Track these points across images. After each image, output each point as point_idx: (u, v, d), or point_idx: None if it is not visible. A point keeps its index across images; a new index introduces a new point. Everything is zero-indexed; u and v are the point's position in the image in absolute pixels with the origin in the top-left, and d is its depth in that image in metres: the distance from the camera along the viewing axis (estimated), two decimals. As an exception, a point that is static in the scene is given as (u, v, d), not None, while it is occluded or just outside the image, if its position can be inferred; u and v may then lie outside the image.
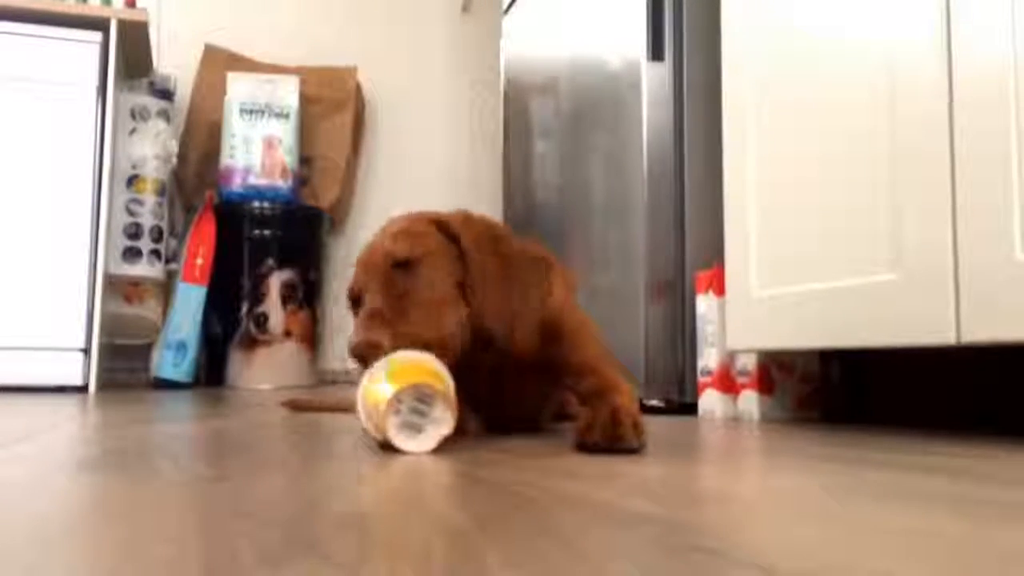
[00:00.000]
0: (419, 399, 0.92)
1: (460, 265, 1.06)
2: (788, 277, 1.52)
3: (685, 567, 0.43)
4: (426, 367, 0.95)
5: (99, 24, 2.65)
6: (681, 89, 1.96)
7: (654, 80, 1.96)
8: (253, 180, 3.28)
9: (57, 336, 2.50)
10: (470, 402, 1.13)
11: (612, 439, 0.96)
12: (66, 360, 2.50)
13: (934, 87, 1.23)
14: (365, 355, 0.98)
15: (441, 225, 1.09)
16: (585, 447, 0.97)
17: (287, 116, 3.36)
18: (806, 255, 1.48)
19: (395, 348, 0.97)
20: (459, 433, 1.13)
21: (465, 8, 3.97)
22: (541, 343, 1.11)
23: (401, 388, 0.92)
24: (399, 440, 0.93)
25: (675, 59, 1.97)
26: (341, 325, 3.58)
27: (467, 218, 1.14)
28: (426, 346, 0.98)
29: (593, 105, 2.19)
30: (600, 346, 1.19)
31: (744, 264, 1.63)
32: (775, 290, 1.55)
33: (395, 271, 1.03)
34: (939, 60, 1.22)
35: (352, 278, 1.08)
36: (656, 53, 1.96)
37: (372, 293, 1.02)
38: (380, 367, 0.95)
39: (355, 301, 1.06)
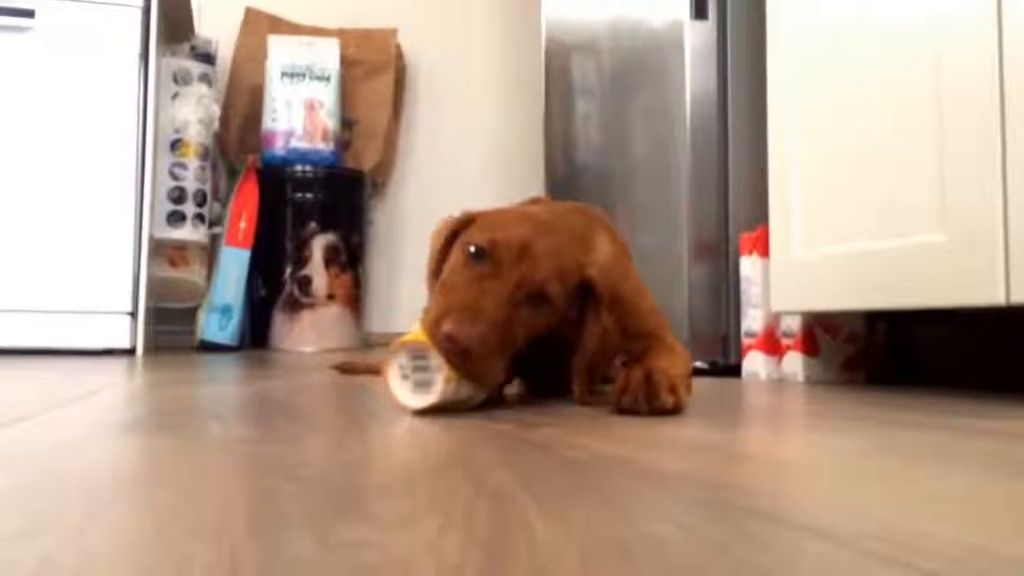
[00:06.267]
0: (415, 356, 0.92)
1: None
2: (833, 238, 1.49)
3: (731, 529, 0.43)
4: None
5: (141, -11, 2.66)
6: (725, 48, 1.93)
7: (697, 39, 1.93)
8: (295, 143, 3.29)
9: (104, 300, 2.54)
10: (515, 367, 1.13)
11: (647, 399, 0.96)
12: (114, 323, 2.54)
13: (984, 40, 1.19)
14: (443, 346, 0.91)
15: (585, 281, 1.03)
16: (621, 409, 0.97)
17: (328, 79, 3.36)
18: (851, 215, 1.45)
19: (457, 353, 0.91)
20: (501, 398, 1.13)
21: (505, -32, 3.93)
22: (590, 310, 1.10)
23: (395, 352, 0.92)
24: (406, 398, 0.93)
25: (719, 17, 1.93)
26: (386, 285, 3.60)
27: (610, 269, 1.11)
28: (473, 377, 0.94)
29: (635, 65, 2.16)
30: (654, 311, 1.18)
31: (788, 225, 1.60)
32: (820, 251, 1.53)
33: (532, 298, 0.97)
34: (990, 17, 1.19)
35: (494, 234, 0.98)
36: (699, 11, 1.93)
37: (498, 293, 0.95)
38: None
39: (477, 255, 0.97)
